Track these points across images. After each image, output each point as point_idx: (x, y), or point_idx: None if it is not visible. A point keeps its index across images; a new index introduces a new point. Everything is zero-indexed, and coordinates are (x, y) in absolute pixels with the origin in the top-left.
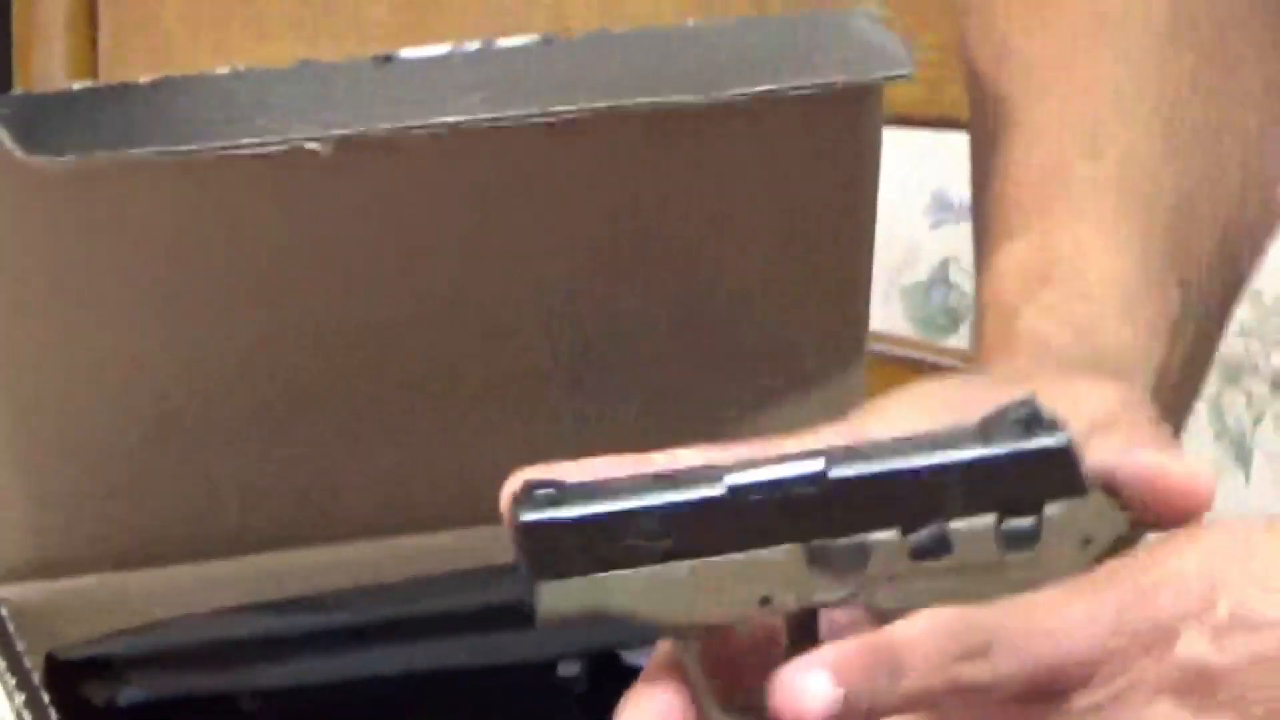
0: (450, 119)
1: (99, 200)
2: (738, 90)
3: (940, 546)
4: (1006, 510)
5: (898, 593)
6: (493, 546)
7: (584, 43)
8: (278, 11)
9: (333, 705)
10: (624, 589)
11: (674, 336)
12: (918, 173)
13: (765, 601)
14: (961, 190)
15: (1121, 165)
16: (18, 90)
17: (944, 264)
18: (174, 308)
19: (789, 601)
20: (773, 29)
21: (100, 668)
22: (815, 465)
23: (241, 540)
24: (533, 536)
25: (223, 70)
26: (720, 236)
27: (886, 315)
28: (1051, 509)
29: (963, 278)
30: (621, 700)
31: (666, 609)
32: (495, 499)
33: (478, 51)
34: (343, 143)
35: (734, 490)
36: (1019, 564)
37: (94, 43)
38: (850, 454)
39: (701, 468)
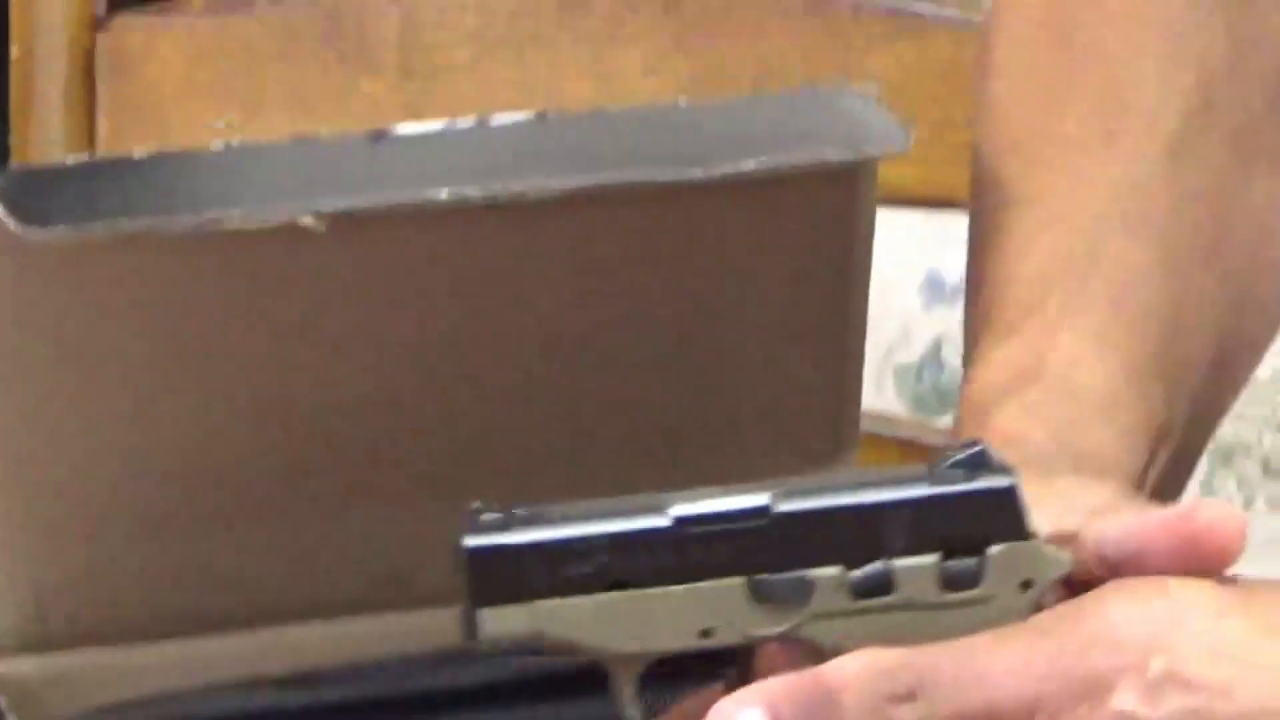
0: (444, 195)
1: (92, 274)
2: (731, 166)
3: (882, 585)
4: (950, 550)
5: (838, 630)
6: None
7: (578, 120)
8: (274, 87)
9: None
10: (565, 617)
11: (664, 415)
12: (911, 252)
13: (706, 634)
14: (955, 271)
15: (1116, 274)
16: (14, 164)
17: (937, 344)
18: (166, 381)
19: (730, 635)
20: (767, 107)
21: None
22: (760, 499)
23: (234, 616)
24: (475, 561)
25: (218, 145)
26: (713, 314)
27: (880, 394)
28: (994, 550)
29: (955, 358)
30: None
31: (607, 638)
32: None
33: (472, 128)
34: (337, 218)
35: (679, 521)
36: (959, 604)
37: (92, 116)
38: (796, 489)
39: (646, 496)
